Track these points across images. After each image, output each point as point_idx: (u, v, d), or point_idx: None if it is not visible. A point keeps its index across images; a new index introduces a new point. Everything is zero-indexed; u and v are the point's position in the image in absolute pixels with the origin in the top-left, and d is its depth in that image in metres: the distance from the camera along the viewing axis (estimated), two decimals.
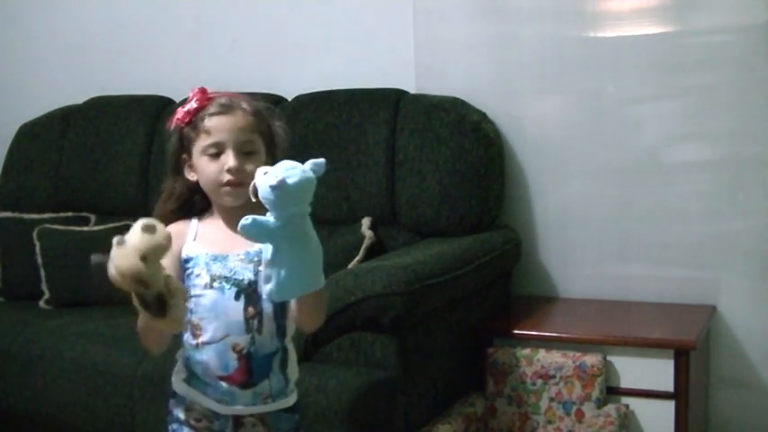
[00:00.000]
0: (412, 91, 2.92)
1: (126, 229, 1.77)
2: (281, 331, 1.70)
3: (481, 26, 2.90)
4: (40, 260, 3.00)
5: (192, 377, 1.73)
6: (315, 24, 3.15)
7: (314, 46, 3.15)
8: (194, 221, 1.78)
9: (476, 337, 2.55)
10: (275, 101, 3.05)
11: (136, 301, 1.54)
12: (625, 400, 2.41)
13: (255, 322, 1.68)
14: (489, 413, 2.48)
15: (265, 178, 1.50)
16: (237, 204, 1.71)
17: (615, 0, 2.75)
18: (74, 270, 2.97)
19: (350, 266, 2.46)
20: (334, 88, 2.96)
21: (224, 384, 1.68)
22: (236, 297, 1.68)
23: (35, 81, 3.70)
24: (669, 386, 2.35)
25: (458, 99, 2.82)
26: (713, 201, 2.68)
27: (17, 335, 2.67)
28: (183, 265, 1.72)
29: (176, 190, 1.79)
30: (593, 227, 2.83)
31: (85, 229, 3.12)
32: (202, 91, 1.77)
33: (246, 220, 1.50)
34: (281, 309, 1.69)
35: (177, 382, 1.76)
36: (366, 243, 2.58)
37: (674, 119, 2.71)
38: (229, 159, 1.69)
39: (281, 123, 1.81)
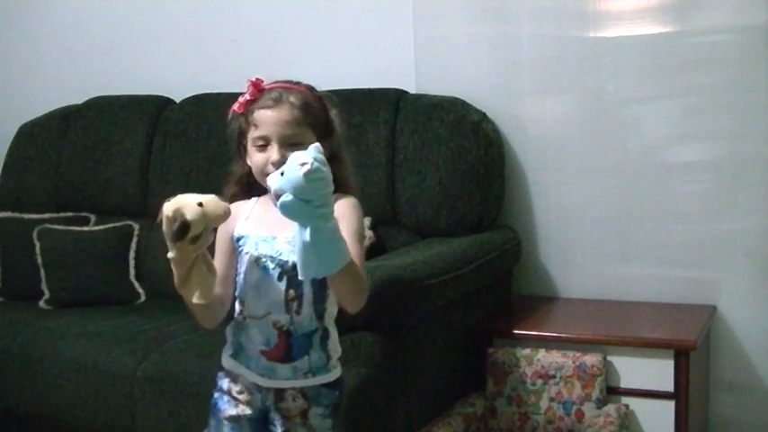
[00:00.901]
0: (412, 91, 2.92)
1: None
2: (318, 314, 1.79)
3: (481, 26, 2.90)
4: (40, 260, 3.00)
5: (238, 352, 1.83)
6: (315, 24, 3.15)
7: (314, 46, 3.15)
8: (252, 201, 1.90)
9: (476, 337, 2.55)
10: None
11: (168, 234, 1.68)
12: (625, 400, 2.41)
13: (295, 304, 1.78)
14: (489, 413, 2.48)
15: (291, 170, 1.56)
16: None
17: (615, 0, 2.75)
18: (74, 270, 2.97)
19: None
20: (334, 88, 2.95)
21: (265, 359, 1.79)
22: (279, 278, 1.78)
23: (35, 81, 3.70)
24: (669, 386, 2.35)
25: (458, 99, 2.82)
26: (713, 201, 2.68)
27: (17, 335, 2.67)
28: (236, 243, 1.84)
29: (237, 173, 1.91)
30: (593, 227, 2.83)
31: (85, 229, 3.12)
32: (256, 83, 1.86)
33: (287, 197, 1.57)
34: (320, 294, 1.79)
35: (225, 358, 1.86)
36: (366, 243, 2.58)
37: (674, 119, 2.71)
38: (273, 152, 1.79)
39: (336, 111, 1.93)
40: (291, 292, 1.78)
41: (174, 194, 1.82)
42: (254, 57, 3.22)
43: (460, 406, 2.42)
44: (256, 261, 1.80)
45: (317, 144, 1.63)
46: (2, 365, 2.63)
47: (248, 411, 1.82)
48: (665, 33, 2.70)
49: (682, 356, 2.33)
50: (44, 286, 2.98)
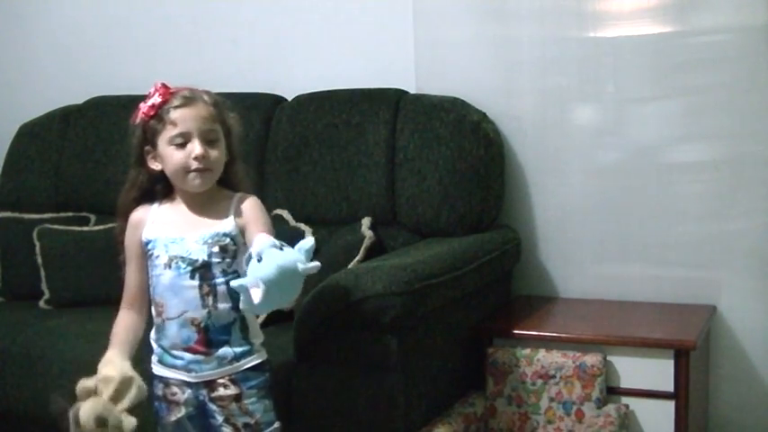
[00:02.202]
0: (412, 91, 2.92)
1: None
2: (235, 306, 1.83)
3: (481, 26, 2.90)
4: (40, 260, 3.00)
5: (163, 355, 1.91)
6: (315, 24, 3.15)
7: (314, 46, 3.15)
8: (154, 207, 1.96)
9: (476, 337, 2.55)
10: (275, 101, 3.05)
11: None
12: (625, 400, 2.41)
13: (211, 299, 1.86)
14: (489, 413, 2.48)
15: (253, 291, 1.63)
16: (203, 189, 1.90)
17: (615, 0, 2.75)
18: (74, 270, 2.97)
19: (350, 266, 2.46)
20: (334, 88, 2.96)
21: (189, 354, 1.87)
22: (191, 276, 1.86)
23: (35, 81, 3.70)
24: (669, 386, 2.35)
25: (458, 99, 2.82)
26: (713, 201, 2.68)
27: (17, 335, 2.67)
28: (145, 247, 1.92)
29: (139, 180, 1.97)
30: (593, 227, 2.83)
31: (85, 229, 3.12)
32: (164, 86, 1.91)
33: (238, 285, 1.66)
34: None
35: (153, 364, 1.94)
36: (366, 243, 2.58)
37: (674, 119, 2.71)
38: (196, 147, 1.85)
39: (234, 114, 1.98)
40: (205, 287, 1.86)
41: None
42: (254, 57, 3.22)
43: (460, 406, 2.42)
44: (168, 263, 1.87)
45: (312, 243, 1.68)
46: (2, 365, 2.63)
47: (186, 410, 1.90)
48: (665, 33, 2.69)
49: (682, 356, 2.33)
50: (44, 286, 2.98)
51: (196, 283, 1.85)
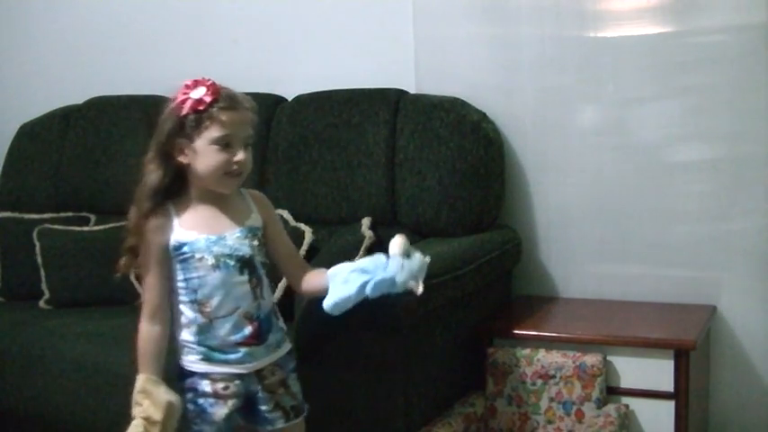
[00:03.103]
0: (412, 91, 2.92)
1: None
2: (272, 292, 1.99)
3: (481, 26, 2.90)
4: (40, 260, 3.00)
5: (210, 353, 1.89)
6: (315, 24, 3.15)
7: (314, 46, 3.15)
8: (171, 208, 1.92)
9: (476, 337, 2.55)
10: (275, 101, 3.05)
11: None
12: (625, 400, 2.41)
13: (258, 290, 1.91)
14: (489, 413, 2.48)
15: (413, 266, 1.86)
16: (231, 191, 1.93)
17: (615, 0, 2.75)
18: (74, 270, 2.97)
19: None
20: (334, 88, 2.96)
21: (243, 348, 1.89)
22: (241, 272, 1.88)
23: (35, 81, 3.70)
24: (669, 386, 2.35)
25: (458, 99, 2.82)
26: (713, 201, 2.68)
27: (17, 335, 2.67)
28: (175, 251, 1.89)
29: (169, 171, 1.91)
30: (593, 227, 2.83)
31: (85, 229, 3.12)
32: (214, 84, 1.89)
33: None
34: (270, 273, 1.95)
35: (194, 363, 1.91)
36: (366, 243, 2.58)
37: (674, 119, 2.71)
38: (239, 153, 1.87)
39: (255, 117, 1.98)
40: (254, 280, 1.90)
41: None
42: (254, 57, 3.22)
43: (460, 406, 2.42)
44: (216, 263, 1.87)
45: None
46: (2, 365, 2.63)
47: (236, 403, 1.90)
48: (665, 33, 2.69)
49: (682, 356, 2.33)
50: (44, 286, 2.98)
51: (246, 277, 1.88)
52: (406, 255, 1.85)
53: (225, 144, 1.85)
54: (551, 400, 2.42)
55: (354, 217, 2.76)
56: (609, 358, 2.41)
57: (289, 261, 2.02)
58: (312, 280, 1.97)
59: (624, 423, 2.34)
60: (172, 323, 1.93)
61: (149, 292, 1.92)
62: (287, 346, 1.98)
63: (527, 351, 2.45)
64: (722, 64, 2.63)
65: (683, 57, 2.67)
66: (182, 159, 1.89)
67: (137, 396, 1.87)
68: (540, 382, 2.43)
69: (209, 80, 1.89)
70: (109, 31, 3.52)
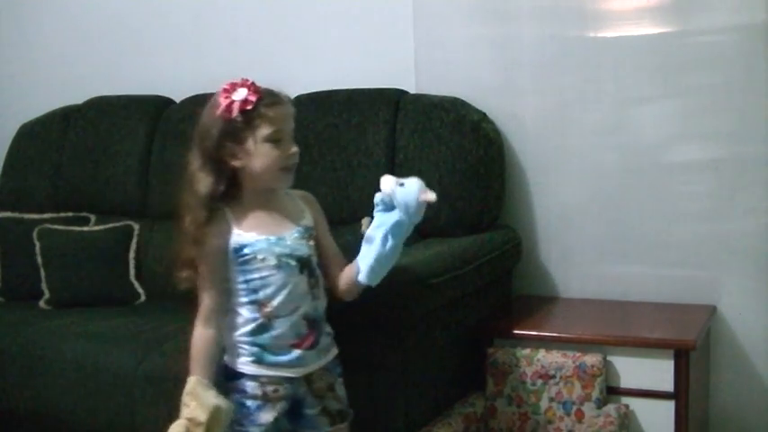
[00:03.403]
0: (412, 91, 2.92)
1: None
2: (325, 293, 1.97)
3: (481, 26, 2.90)
4: (40, 260, 3.00)
5: (263, 355, 1.89)
6: (315, 24, 3.16)
7: (314, 46, 3.15)
8: (227, 211, 1.91)
9: (476, 337, 2.55)
10: None
11: None
12: (625, 400, 2.41)
13: (316, 290, 1.93)
14: (489, 413, 2.48)
15: (411, 189, 1.85)
16: (289, 186, 1.95)
17: (615, 0, 2.75)
18: (74, 270, 2.97)
19: None
20: (334, 88, 2.96)
21: (297, 350, 1.89)
22: (301, 271, 1.90)
23: (35, 81, 3.70)
24: (669, 386, 2.35)
25: (458, 99, 2.82)
26: (713, 201, 2.68)
27: (17, 335, 2.67)
28: (235, 253, 1.88)
29: (220, 181, 1.89)
30: (593, 227, 2.83)
31: (85, 229, 3.12)
32: (253, 83, 1.89)
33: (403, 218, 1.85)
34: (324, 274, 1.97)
35: (244, 364, 1.90)
36: None
37: (674, 119, 2.71)
38: (293, 146, 1.90)
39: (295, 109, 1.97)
40: (312, 280, 1.92)
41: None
42: (254, 57, 3.22)
43: (460, 406, 2.42)
44: (278, 264, 1.87)
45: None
46: (2, 365, 2.63)
47: (284, 406, 1.89)
48: (665, 33, 2.70)
49: (682, 356, 2.33)
50: (44, 286, 2.98)
51: (305, 277, 1.90)
52: (400, 185, 1.85)
53: (277, 140, 1.87)
54: (551, 400, 2.42)
55: (354, 217, 2.75)
56: (609, 358, 2.41)
57: (334, 261, 2.00)
58: (346, 273, 1.96)
59: (624, 423, 2.34)
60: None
61: (207, 296, 1.90)
62: (335, 351, 1.98)
63: (527, 351, 2.45)
64: (722, 64, 2.63)
65: (683, 57, 2.67)
66: (234, 163, 1.88)
67: (185, 397, 1.85)
68: (540, 382, 2.43)
69: (247, 80, 1.89)
70: (109, 31, 3.52)
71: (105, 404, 2.45)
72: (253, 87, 1.88)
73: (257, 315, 1.88)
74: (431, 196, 1.83)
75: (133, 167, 3.21)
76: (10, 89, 3.75)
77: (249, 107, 1.85)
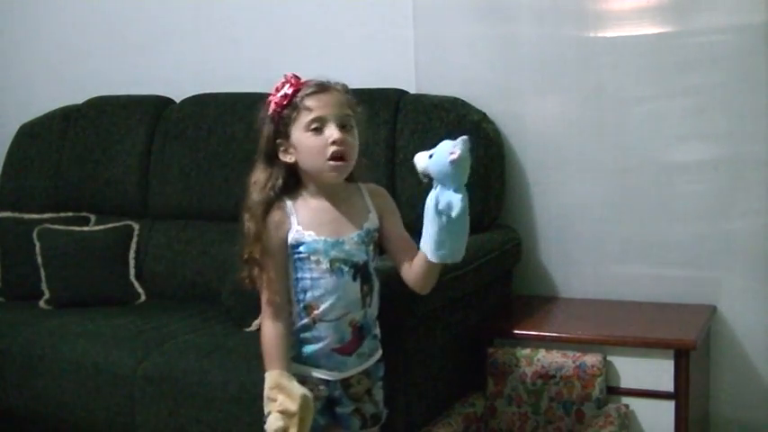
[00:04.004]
0: (412, 91, 2.92)
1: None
2: (379, 301, 1.93)
3: (481, 26, 2.90)
4: (40, 260, 3.00)
5: (304, 356, 1.87)
6: (315, 24, 3.15)
7: (314, 46, 3.15)
8: (288, 204, 1.88)
9: (476, 337, 2.55)
10: None
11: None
12: (625, 400, 2.41)
13: (369, 298, 1.89)
14: (489, 413, 2.48)
15: (441, 155, 1.73)
16: (341, 180, 1.87)
17: (615, 0, 2.74)
18: (74, 270, 2.97)
19: None
20: None
21: (337, 354, 1.87)
22: (354, 278, 1.85)
23: (35, 81, 3.70)
24: (669, 386, 2.35)
25: (458, 99, 2.82)
26: (713, 201, 2.68)
27: (17, 335, 2.67)
28: (292, 249, 1.86)
29: (276, 174, 1.88)
30: (593, 227, 2.83)
31: (85, 229, 3.12)
32: (296, 76, 1.87)
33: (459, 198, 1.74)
34: (378, 281, 1.91)
35: None
36: None
37: (674, 119, 2.71)
38: (333, 132, 1.81)
39: (360, 109, 1.92)
40: (365, 288, 1.87)
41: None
42: (254, 57, 3.22)
43: (460, 406, 2.42)
44: (330, 267, 1.84)
45: (467, 137, 1.73)
46: (2, 365, 2.63)
47: (317, 405, 1.86)
48: (665, 33, 2.69)
49: (682, 356, 2.33)
50: (44, 286, 2.98)
51: (358, 284, 1.86)
52: (430, 157, 1.76)
53: (317, 128, 1.82)
54: (551, 400, 2.42)
55: None
56: (609, 358, 2.41)
57: (409, 254, 1.92)
58: (416, 263, 1.89)
59: (624, 423, 2.34)
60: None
61: (269, 290, 1.86)
62: (378, 355, 1.95)
63: (527, 351, 2.45)
64: (722, 64, 2.63)
65: (682, 57, 2.67)
66: (287, 159, 1.87)
67: (270, 392, 1.80)
68: (540, 382, 2.43)
69: (291, 75, 1.87)
70: (109, 31, 3.52)
71: (105, 404, 2.45)
72: (293, 80, 1.85)
73: (304, 314, 1.86)
74: (455, 154, 1.71)
75: (133, 167, 3.21)
76: (10, 89, 3.75)
77: (286, 101, 1.84)
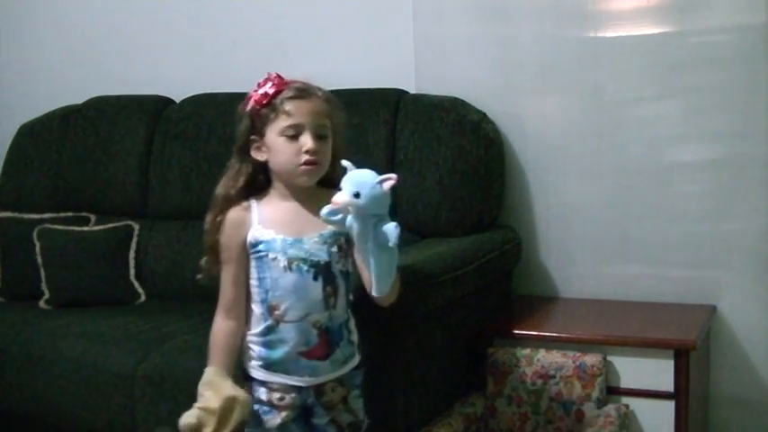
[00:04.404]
0: (412, 91, 2.92)
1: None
2: (348, 303, 1.89)
3: (481, 26, 2.90)
4: (40, 260, 3.00)
5: (270, 361, 1.85)
6: (315, 24, 3.16)
7: (314, 46, 3.15)
8: (253, 204, 1.89)
9: (476, 337, 2.55)
10: None
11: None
12: (625, 400, 2.41)
13: (333, 299, 1.85)
14: (489, 413, 2.48)
15: (372, 189, 1.71)
16: (311, 184, 1.87)
17: (615, 0, 2.75)
18: (74, 270, 2.97)
19: None
20: (334, 88, 2.95)
21: (305, 359, 1.83)
22: (315, 278, 1.83)
23: (35, 81, 3.70)
24: (669, 386, 2.35)
25: (458, 99, 2.82)
26: (713, 201, 2.68)
27: (17, 335, 2.67)
28: (251, 248, 1.85)
29: (244, 170, 1.90)
30: (593, 227, 2.83)
31: (85, 229, 3.12)
32: (279, 76, 1.87)
33: (394, 226, 1.72)
34: (348, 284, 1.88)
35: (253, 369, 1.88)
36: None
37: (674, 119, 2.71)
38: (308, 141, 1.82)
39: (342, 113, 1.94)
40: (329, 288, 1.84)
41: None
42: (254, 57, 3.22)
43: (460, 406, 2.42)
44: (288, 265, 1.82)
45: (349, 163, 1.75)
46: (2, 365, 2.63)
47: (291, 413, 1.85)
48: (665, 33, 2.70)
49: (682, 356, 2.33)
50: (44, 286, 2.98)
51: (320, 284, 1.83)
52: (356, 195, 1.71)
53: (293, 134, 1.82)
54: (551, 400, 2.42)
55: None
56: (609, 358, 2.41)
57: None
58: (367, 284, 1.86)
59: (624, 423, 2.34)
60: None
61: (224, 287, 1.88)
62: (354, 362, 1.92)
63: (527, 351, 2.45)
64: (722, 64, 2.63)
65: (683, 57, 2.67)
66: (258, 157, 1.87)
67: (201, 388, 1.81)
68: (540, 382, 2.43)
69: (275, 74, 1.87)
70: (109, 31, 3.52)
71: (105, 404, 2.45)
72: (276, 80, 1.86)
73: (268, 316, 1.85)
74: (389, 180, 1.72)
75: (133, 167, 3.21)
76: (10, 89, 3.75)
77: (266, 101, 1.84)
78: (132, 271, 3.06)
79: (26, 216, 3.16)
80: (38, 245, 3.02)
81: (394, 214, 2.75)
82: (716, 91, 2.65)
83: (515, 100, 2.87)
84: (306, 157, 1.83)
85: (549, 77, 2.84)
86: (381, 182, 1.72)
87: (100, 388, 2.47)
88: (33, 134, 3.44)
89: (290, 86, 1.86)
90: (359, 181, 1.72)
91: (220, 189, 1.91)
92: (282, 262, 1.82)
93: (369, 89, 2.90)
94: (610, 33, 2.75)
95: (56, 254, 3.00)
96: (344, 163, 1.77)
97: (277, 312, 1.83)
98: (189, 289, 3.00)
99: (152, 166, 3.18)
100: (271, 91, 1.84)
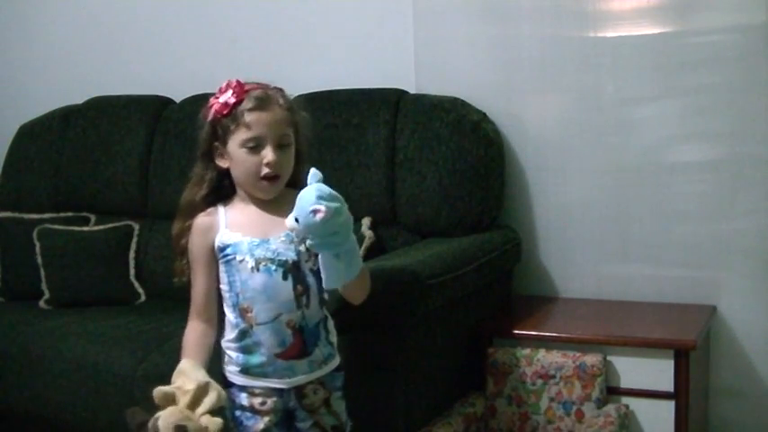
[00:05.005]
0: (412, 91, 2.92)
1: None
2: (323, 302, 1.87)
3: (481, 26, 2.90)
4: (40, 260, 3.00)
5: (248, 364, 1.84)
6: (315, 24, 3.16)
7: (314, 46, 3.15)
8: (221, 209, 1.90)
9: (476, 337, 2.55)
10: None
11: None
12: (625, 400, 2.41)
13: (304, 298, 1.83)
14: (489, 413, 2.48)
15: (307, 219, 1.70)
16: (271, 197, 1.87)
17: (615, 0, 2.75)
18: (74, 270, 2.97)
19: None
20: (335, 88, 2.96)
21: (282, 361, 1.82)
22: (284, 277, 1.81)
23: (35, 81, 3.70)
24: (669, 386, 2.35)
25: (458, 99, 2.82)
26: (713, 201, 2.68)
27: (17, 335, 2.67)
28: (220, 252, 1.85)
29: (208, 176, 1.90)
30: (593, 227, 2.83)
31: (85, 229, 3.12)
32: (240, 84, 1.85)
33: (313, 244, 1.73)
34: (321, 283, 1.84)
35: (233, 374, 1.87)
36: (366, 243, 2.58)
37: (674, 119, 2.71)
38: (269, 154, 1.82)
39: (305, 114, 1.92)
40: (299, 287, 1.83)
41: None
42: (254, 57, 3.22)
43: (460, 406, 2.42)
44: (255, 266, 1.82)
45: (316, 171, 1.73)
46: (2, 365, 2.63)
47: (274, 418, 1.85)
48: (665, 33, 2.69)
49: (682, 356, 2.33)
50: (44, 286, 2.98)
51: (290, 284, 1.82)
52: (296, 220, 1.72)
53: (254, 146, 1.81)
54: (551, 400, 2.42)
55: (354, 217, 2.74)
56: (609, 358, 2.41)
57: None
58: None
59: (624, 423, 2.34)
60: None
61: (194, 291, 1.89)
62: (334, 363, 1.90)
63: (527, 351, 2.45)
64: (722, 64, 2.63)
65: (683, 57, 2.67)
66: (221, 164, 1.87)
67: (173, 377, 1.78)
68: (540, 382, 2.43)
69: (235, 82, 1.85)
70: (109, 31, 3.52)
71: (105, 404, 2.46)
72: (237, 89, 1.84)
73: (240, 320, 1.84)
74: (320, 211, 1.70)
75: (133, 167, 3.21)
76: (10, 89, 3.75)
77: (226, 111, 1.83)
78: (132, 271, 3.06)
79: (26, 216, 3.16)
80: (38, 245, 3.02)
81: (394, 214, 2.77)
82: (716, 91, 2.65)
83: (515, 100, 2.87)
84: (266, 171, 1.82)
85: (549, 77, 2.84)
86: (314, 212, 1.69)
87: (100, 388, 2.47)
88: (33, 134, 3.44)
89: (250, 95, 1.83)
90: (300, 205, 1.71)
91: (186, 196, 1.91)
92: (250, 263, 1.82)
93: (369, 89, 2.90)
94: (610, 33, 2.75)
95: (56, 254, 3.00)
96: (311, 172, 1.75)
97: (249, 314, 1.82)
98: (189, 289, 3.00)
99: (152, 166, 3.18)
100: (231, 101, 1.83)
